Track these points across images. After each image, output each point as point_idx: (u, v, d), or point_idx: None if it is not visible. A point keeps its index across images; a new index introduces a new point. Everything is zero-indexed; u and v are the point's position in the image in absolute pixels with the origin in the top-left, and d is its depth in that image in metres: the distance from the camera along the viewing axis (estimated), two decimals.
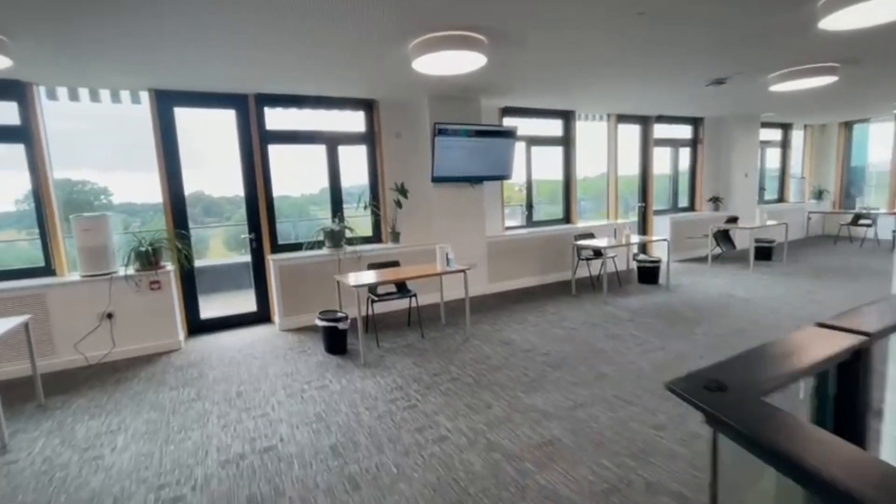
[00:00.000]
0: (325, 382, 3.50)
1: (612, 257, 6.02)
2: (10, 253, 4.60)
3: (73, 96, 4.34)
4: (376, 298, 4.40)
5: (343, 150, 5.48)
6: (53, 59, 3.50)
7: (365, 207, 5.54)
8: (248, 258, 5.19)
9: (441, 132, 5.20)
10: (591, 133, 7.27)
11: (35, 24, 2.85)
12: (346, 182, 5.58)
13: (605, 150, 7.38)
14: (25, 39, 3.06)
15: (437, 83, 4.74)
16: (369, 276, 4.15)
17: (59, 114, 4.42)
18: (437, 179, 5.40)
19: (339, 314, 4.14)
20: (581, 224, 7.01)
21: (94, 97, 4.41)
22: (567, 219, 7.11)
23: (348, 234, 5.28)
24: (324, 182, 5.53)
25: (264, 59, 3.76)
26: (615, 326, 4.49)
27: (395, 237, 5.54)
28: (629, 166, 7.74)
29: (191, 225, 4.82)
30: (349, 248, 5.19)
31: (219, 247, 8.09)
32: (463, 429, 2.72)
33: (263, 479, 2.33)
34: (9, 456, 2.66)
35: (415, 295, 4.50)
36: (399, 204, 5.45)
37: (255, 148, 4.93)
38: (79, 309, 4.03)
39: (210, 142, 5.66)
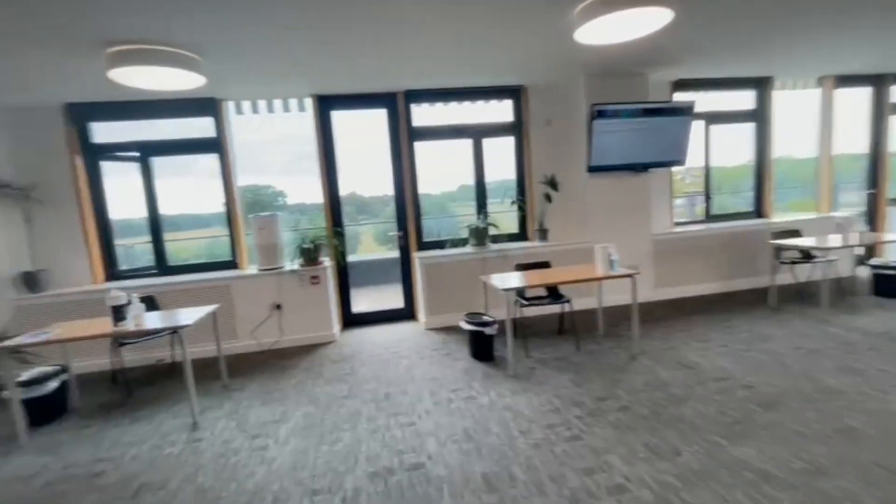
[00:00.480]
0: (473, 393, 3.21)
1: (831, 261, 4.61)
2: (215, 248, 5.33)
3: (255, 110, 4.82)
4: (525, 303, 3.99)
5: (487, 144, 5.18)
6: (237, 75, 3.85)
7: (511, 203, 5.17)
8: (394, 254, 5.24)
9: (600, 114, 4.54)
10: (790, 104, 5.76)
11: (222, 43, 3.11)
12: (490, 177, 5.27)
13: (809, 124, 5.78)
14: (216, 59, 3.38)
15: (597, 58, 4.12)
16: (518, 279, 3.76)
17: (244, 127, 4.97)
18: (594, 169, 4.75)
19: (486, 318, 3.83)
20: (779, 218, 5.59)
21: (270, 108, 4.84)
22: (758, 212, 5.75)
23: (492, 231, 4.97)
24: (462, 178, 5.33)
25: (415, 51, 3.62)
26: (849, 356, 3.34)
27: (543, 235, 5.05)
28: (847, 143, 5.95)
29: (346, 222, 5.04)
30: (493, 247, 4.88)
31: (368, 242, 8.59)
32: (645, 479, 2.14)
33: None
34: (197, 433, 2.93)
35: (568, 301, 3.97)
36: (548, 198, 4.95)
37: (403, 146, 4.93)
38: (255, 299, 4.46)
39: (363, 143, 5.90)
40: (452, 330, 4.65)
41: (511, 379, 3.39)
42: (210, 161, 4.72)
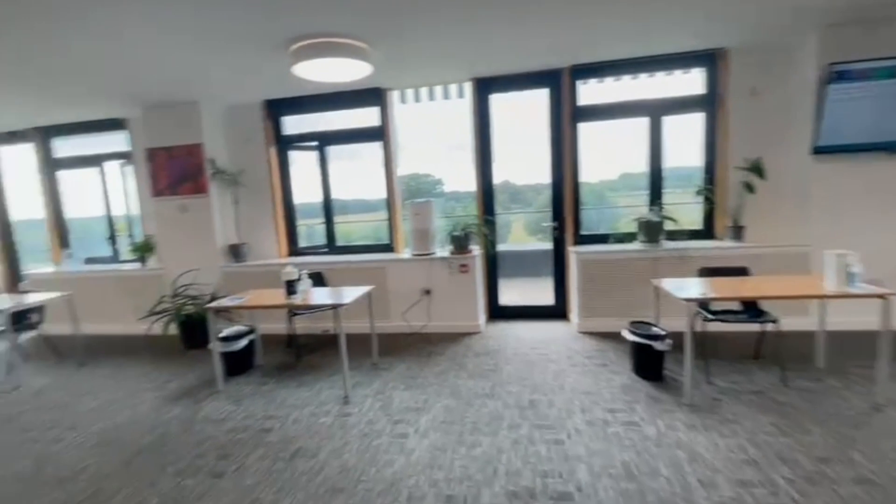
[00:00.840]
0: (635, 418, 2.70)
1: None
2: (380, 231, 5.68)
3: (417, 98, 4.91)
4: (711, 317, 3.23)
5: (668, 122, 4.38)
6: (400, 61, 3.90)
7: (696, 193, 4.30)
8: (546, 246, 4.85)
9: (840, 77, 3.40)
10: None
11: (388, 28, 3.12)
12: (668, 161, 4.46)
13: None
14: (381, 46, 3.44)
15: (841, 3, 3.05)
16: (703, 286, 3.04)
17: (407, 115, 5.11)
18: (823, 150, 3.62)
19: (656, 329, 3.21)
20: None
21: (431, 95, 4.87)
22: None
23: (668, 226, 4.20)
24: (626, 165, 4.64)
25: (590, 16, 3.15)
26: None
27: (737, 233, 4.08)
28: None
29: (497, 211, 4.83)
30: (668, 244, 4.12)
31: (519, 231, 8.32)
32: None
33: None
34: (347, 408, 3.06)
35: (774, 320, 3.08)
36: (749, 188, 3.96)
37: (564, 128, 4.48)
38: (407, 283, 4.57)
39: (519, 128, 5.60)
40: (610, 337, 4.09)
41: (686, 408, 2.76)
42: (374, 149, 4.97)
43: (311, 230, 5.75)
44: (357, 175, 5.46)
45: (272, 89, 4.52)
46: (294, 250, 5.25)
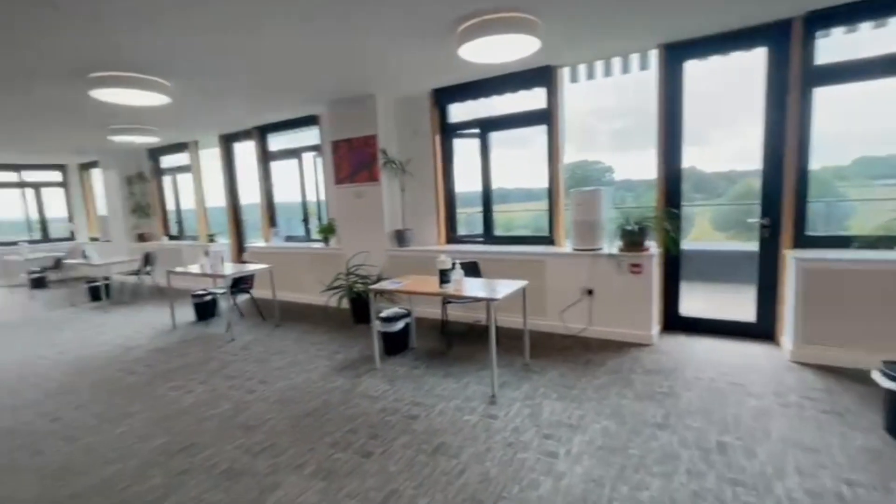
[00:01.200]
0: (891, 502, 1.87)
1: None
2: (539, 221, 5.39)
3: (590, 75, 4.39)
4: None
5: None
6: (575, 33, 3.47)
7: None
8: (747, 246, 3.87)
9: None
10: None
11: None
12: None
13: None
14: (553, 17, 3.08)
15: None
16: None
17: (576, 98, 4.63)
18: None
19: None
20: None
21: (607, 71, 4.30)
22: None
23: None
24: (871, 144, 3.33)
25: None
26: None
27: None
28: None
29: (683, 203, 4.03)
30: None
31: (704, 227, 7.03)
32: None
33: None
34: (493, 409, 2.87)
35: None
36: None
37: (790, 96, 3.45)
38: (567, 280, 4.16)
39: (716, 103, 4.61)
40: (843, 375, 3.05)
41: None
42: (539, 135, 4.63)
43: (469, 218, 5.74)
44: (518, 162, 5.22)
45: (439, 76, 4.54)
46: (452, 238, 5.28)
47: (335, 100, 5.20)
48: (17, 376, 3.92)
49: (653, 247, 3.91)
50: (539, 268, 4.27)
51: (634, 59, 4.14)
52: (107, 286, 6.68)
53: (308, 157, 6.27)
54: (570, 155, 4.65)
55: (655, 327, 3.95)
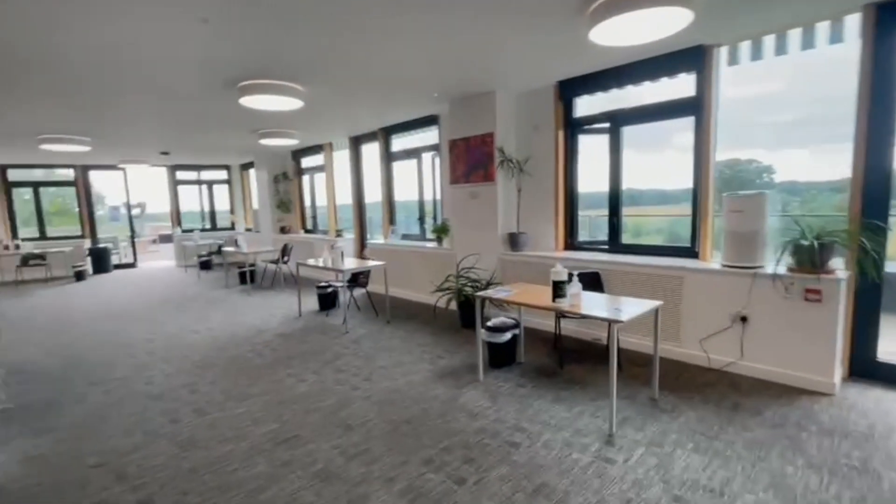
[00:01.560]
0: None
1: None
2: (678, 228, 4.67)
3: (756, 54, 3.59)
4: None
5: None
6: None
7: None
8: None
9: None
10: None
11: None
12: None
13: None
14: None
15: None
16: None
17: (733, 82, 3.85)
18: None
19: None
20: None
21: (780, 48, 3.47)
22: None
23: None
24: None
25: None
26: None
27: None
28: None
29: (891, 213, 3.04)
30: None
31: None
32: None
33: None
34: (609, 450, 2.43)
35: None
36: None
37: None
38: (712, 301, 3.45)
39: None
40: None
41: None
42: (682, 130, 3.94)
43: (593, 223, 5.20)
44: (655, 160, 4.55)
45: (566, 67, 4.13)
46: (572, 244, 4.81)
47: (455, 97, 5.09)
48: (173, 345, 4.55)
49: (839, 269, 3.03)
50: (675, 284, 3.62)
51: (822, 29, 3.26)
52: (252, 272, 7.57)
53: (427, 156, 6.31)
54: (720, 153, 3.86)
55: (838, 372, 3.05)
